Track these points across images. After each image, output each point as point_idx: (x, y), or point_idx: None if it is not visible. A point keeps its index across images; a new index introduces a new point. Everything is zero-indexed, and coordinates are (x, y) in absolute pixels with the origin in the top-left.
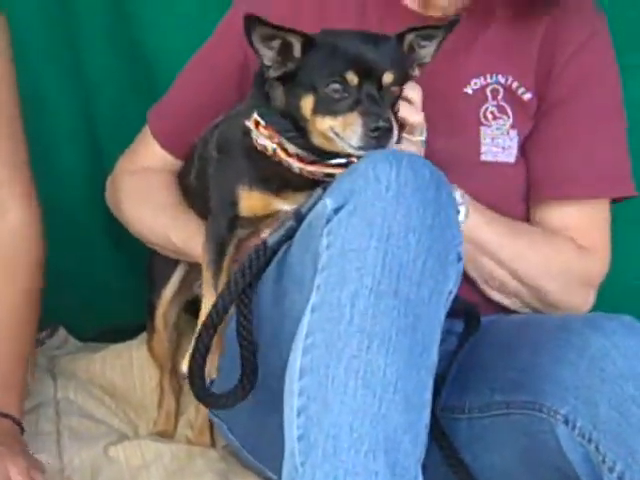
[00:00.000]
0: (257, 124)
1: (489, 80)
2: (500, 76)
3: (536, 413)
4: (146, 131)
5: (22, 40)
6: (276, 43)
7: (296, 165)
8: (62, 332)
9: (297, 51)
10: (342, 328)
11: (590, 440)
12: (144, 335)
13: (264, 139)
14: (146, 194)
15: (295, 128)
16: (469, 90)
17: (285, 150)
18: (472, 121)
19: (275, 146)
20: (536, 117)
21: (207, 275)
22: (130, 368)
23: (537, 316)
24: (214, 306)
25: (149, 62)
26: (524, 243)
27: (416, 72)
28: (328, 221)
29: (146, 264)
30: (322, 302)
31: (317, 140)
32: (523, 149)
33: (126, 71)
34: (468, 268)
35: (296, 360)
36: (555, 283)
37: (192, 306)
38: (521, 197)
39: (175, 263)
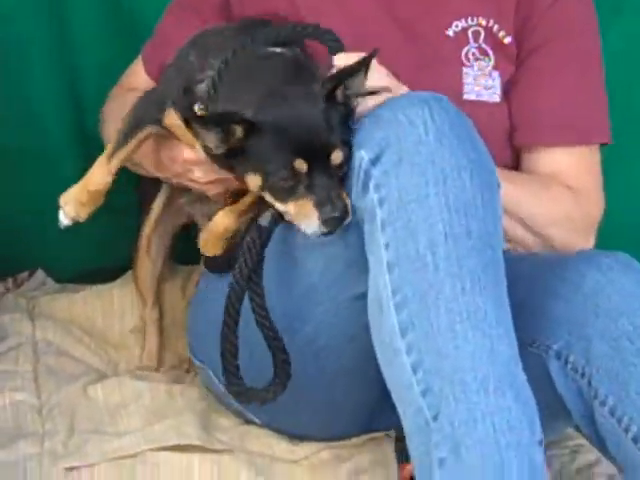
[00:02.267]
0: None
1: (470, 22)
2: (481, 18)
3: (528, 349)
4: (138, 59)
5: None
6: (217, 129)
7: None
8: (40, 274)
9: (239, 133)
10: (430, 277)
11: (583, 375)
12: (125, 277)
13: None
14: (123, 110)
15: None
16: (450, 32)
17: None
18: (454, 62)
19: None
20: (516, 63)
21: (111, 141)
22: (111, 308)
23: (534, 254)
24: (228, 300)
25: (135, 18)
26: (528, 192)
27: (356, 102)
28: (367, 174)
29: (127, 202)
30: (398, 258)
31: None
32: (506, 94)
33: (111, 13)
34: None
35: (390, 320)
36: (559, 230)
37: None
38: (508, 140)
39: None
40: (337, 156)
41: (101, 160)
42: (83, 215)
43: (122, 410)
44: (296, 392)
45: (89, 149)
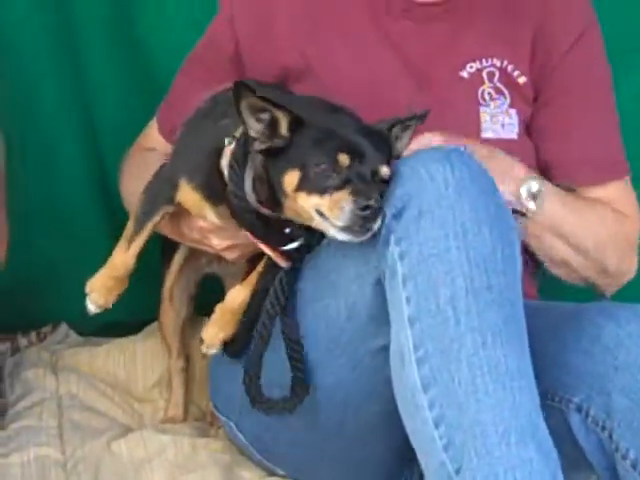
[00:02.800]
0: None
1: (484, 64)
2: (495, 59)
3: (548, 402)
4: (153, 120)
5: (21, 42)
6: (265, 116)
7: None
8: (64, 327)
9: (284, 128)
10: (452, 331)
11: (604, 428)
12: (148, 329)
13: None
14: (141, 169)
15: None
16: (465, 74)
17: None
18: (470, 102)
19: None
20: (535, 106)
21: (129, 226)
22: (133, 362)
23: (550, 303)
24: (261, 327)
25: (150, 62)
26: (587, 218)
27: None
28: (388, 228)
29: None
30: (419, 312)
31: (289, 214)
32: (532, 137)
33: (127, 72)
34: (535, 249)
35: (412, 374)
36: (613, 252)
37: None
38: None
39: None
40: (384, 171)
41: (121, 246)
42: (110, 301)
43: (146, 465)
44: (317, 444)
45: (111, 206)
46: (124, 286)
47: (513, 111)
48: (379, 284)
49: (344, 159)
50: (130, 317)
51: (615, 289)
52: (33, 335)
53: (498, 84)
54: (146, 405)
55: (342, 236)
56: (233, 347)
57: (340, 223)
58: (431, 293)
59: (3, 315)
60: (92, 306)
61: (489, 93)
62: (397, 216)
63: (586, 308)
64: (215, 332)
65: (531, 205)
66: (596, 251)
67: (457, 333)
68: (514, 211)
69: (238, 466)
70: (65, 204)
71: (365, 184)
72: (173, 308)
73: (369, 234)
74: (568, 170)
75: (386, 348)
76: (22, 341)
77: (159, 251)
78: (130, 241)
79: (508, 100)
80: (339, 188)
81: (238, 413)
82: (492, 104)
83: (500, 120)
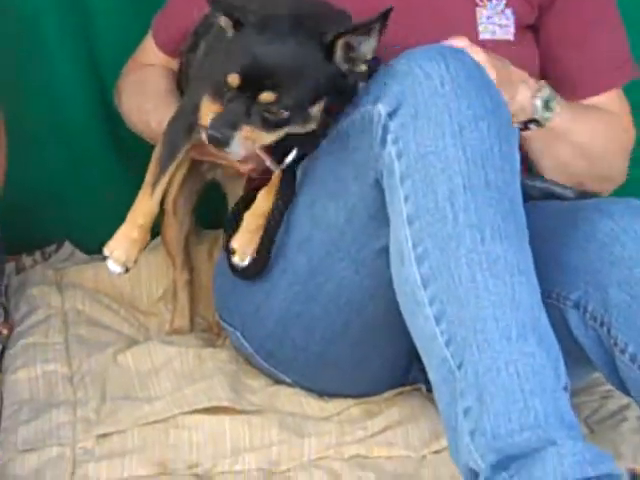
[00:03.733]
0: None
1: None
2: None
3: (546, 300)
4: (149, 34)
5: None
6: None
7: None
8: (68, 246)
9: (229, 31)
10: (450, 228)
11: (602, 324)
12: (151, 245)
13: None
14: (140, 84)
15: None
16: None
17: None
18: (467, 3)
19: None
20: (547, 12)
21: (151, 170)
22: (138, 276)
23: (543, 203)
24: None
25: None
26: (594, 125)
27: (362, 68)
28: (385, 128)
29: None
30: (417, 210)
31: None
32: (539, 46)
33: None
34: (539, 154)
35: (412, 272)
36: (614, 160)
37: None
38: None
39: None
40: (265, 96)
41: (144, 192)
42: (133, 257)
43: (153, 376)
44: (323, 349)
45: (112, 122)
46: (147, 238)
47: (509, 11)
48: (377, 184)
49: (233, 80)
50: None
51: (606, 194)
52: (37, 254)
53: None
54: (152, 318)
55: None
56: (257, 262)
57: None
58: (429, 191)
59: (7, 235)
60: (115, 266)
61: None
62: (392, 115)
63: (581, 205)
64: (248, 240)
65: (546, 114)
66: (601, 158)
67: (455, 230)
68: (529, 121)
69: (245, 375)
70: (66, 120)
71: (234, 112)
72: (176, 220)
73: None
74: (585, 76)
75: (387, 249)
76: (27, 260)
77: None
78: (153, 185)
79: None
80: (220, 103)
81: (243, 322)
82: (489, 4)
83: (496, 21)
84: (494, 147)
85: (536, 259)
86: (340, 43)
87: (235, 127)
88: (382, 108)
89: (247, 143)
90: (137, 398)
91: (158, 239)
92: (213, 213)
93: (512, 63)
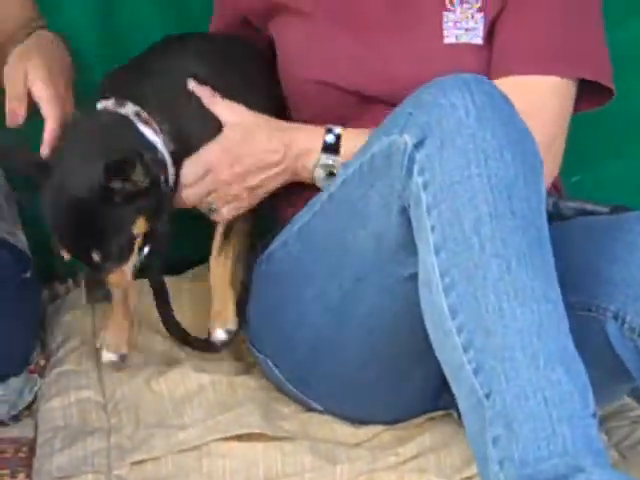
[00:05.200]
0: None
1: None
2: None
3: (585, 313)
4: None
5: None
6: None
7: None
8: None
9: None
10: (476, 257)
11: None
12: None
13: None
14: None
15: None
16: None
17: None
18: (435, 6)
19: None
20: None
21: None
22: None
23: (587, 218)
24: None
25: None
26: None
27: (146, 183)
28: (411, 158)
29: None
30: (444, 240)
31: None
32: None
33: None
34: None
35: (440, 301)
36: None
37: None
38: None
39: None
40: (95, 257)
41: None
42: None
43: (187, 404)
44: (354, 375)
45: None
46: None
47: (480, 15)
48: (404, 213)
49: (65, 254)
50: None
51: None
52: (70, 282)
53: None
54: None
55: None
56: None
57: None
58: (455, 221)
59: (39, 263)
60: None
61: None
62: (419, 146)
63: (623, 217)
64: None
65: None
66: None
67: (482, 259)
68: None
69: (276, 402)
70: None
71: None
72: None
73: None
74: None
75: (414, 276)
76: (60, 288)
77: None
78: None
79: (479, 3)
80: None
81: (274, 349)
82: (459, 9)
83: (463, 25)
84: (519, 176)
85: (576, 272)
86: (114, 186)
87: (102, 284)
88: (408, 139)
89: (123, 280)
90: (171, 425)
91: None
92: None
93: (480, 68)
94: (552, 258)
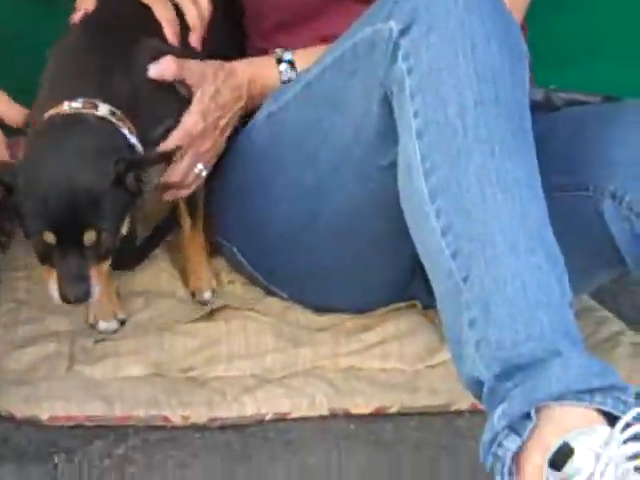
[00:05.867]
0: None
1: None
2: None
3: (580, 193)
4: None
5: None
6: None
7: None
8: None
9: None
10: (459, 142)
11: (638, 214)
12: None
13: None
14: None
15: None
16: None
17: None
18: None
19: None
20: None
21: None
22: None
23: (580, 107)
24: None
25: None
26: None
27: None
28: (396, 44)
29: None
30: (427, 125)
31: None
32: None
33: None
34: None
35: (419, 186)
36: None
37: None
38: None
39: None
40: (89, 237)
41: None
42: None
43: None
44: (327, 263)
45: None
46: None
47: None
48: (386, 102)
49: (49, 237)
50: None
51: None
52: None
53: None
54: None
55: None
56: None
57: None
58: (439, 106)
59: None
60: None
61: None
62: (404, 32)
63: (617, 104)
64: None
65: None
66: None
67: (465, 144)
68: None
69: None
70: None
71: (73, 266)
72: None
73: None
74: None
75: (393, 165)
76: None
77: None
78: None
79: None
80: (52, 264)
81: (240, 236)
82: None
83: None
84: (505, 65)
85: (569, 156)
86: (130, 175)
87: (84, 279)
88: (394, 25)
89: (102, 278)
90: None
91: None
92: None
93: None
94: (534, 148)
